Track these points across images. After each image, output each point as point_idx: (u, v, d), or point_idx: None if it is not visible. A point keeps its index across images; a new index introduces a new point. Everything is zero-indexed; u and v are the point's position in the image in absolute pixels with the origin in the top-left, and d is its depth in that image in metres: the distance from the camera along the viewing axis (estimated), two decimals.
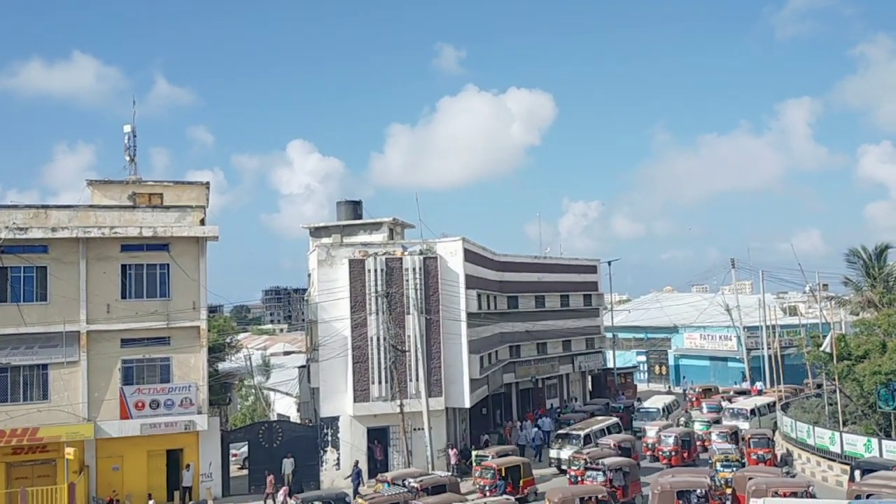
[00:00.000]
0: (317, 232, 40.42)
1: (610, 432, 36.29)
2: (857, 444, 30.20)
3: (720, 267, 66.72)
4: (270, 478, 30.98)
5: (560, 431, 36.83)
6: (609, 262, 59.40)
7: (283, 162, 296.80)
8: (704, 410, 44.22)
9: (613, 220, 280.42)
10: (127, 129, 35.09)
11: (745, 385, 58.10)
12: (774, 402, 43.09)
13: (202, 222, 31.94)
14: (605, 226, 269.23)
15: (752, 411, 41.08)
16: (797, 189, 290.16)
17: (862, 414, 33.06)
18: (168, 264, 31.32)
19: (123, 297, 30.81)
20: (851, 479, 26.08)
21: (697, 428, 38.76)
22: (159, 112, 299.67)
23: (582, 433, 34.96)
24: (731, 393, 51.54)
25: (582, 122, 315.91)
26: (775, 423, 39.99)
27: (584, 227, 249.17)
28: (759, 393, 51.08)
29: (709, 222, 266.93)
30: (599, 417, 39.63)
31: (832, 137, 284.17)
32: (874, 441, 29.56)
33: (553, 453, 34.01)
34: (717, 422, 39.29)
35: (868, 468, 25.93)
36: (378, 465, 33.14)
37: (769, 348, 55.21)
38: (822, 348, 32.78)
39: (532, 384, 47.14)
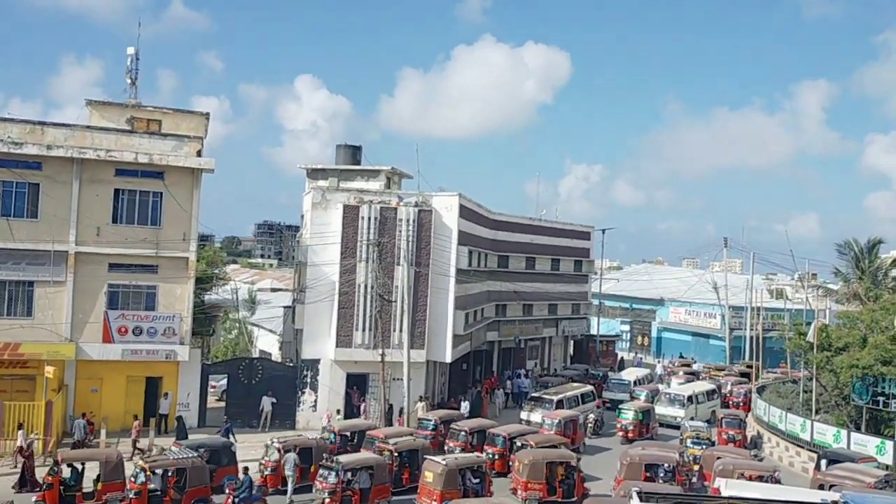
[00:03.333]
0: (314, 173, 40.08)
1: (584, 401, 36.39)
2: (827, 433, 30.66)
3: (713, 244, 66.98)
4: (137, 423, 28.24)
5: (533, 394, 37.09)
6: (603, 231, 59.40)
7: (290, 96, 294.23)
8: (642, 398, 39.63)
9: (615, 185, 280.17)
10: (130, 51, 34.43)
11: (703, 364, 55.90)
12: (715, 390, 41.46)
13: (199, 153, 31.59)
14: (606, 191, 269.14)
15: (690, 398, 38.56)
16: (802, 172, 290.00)
17: (835, 404, 33.51)
18: (161, 193, 31.05)
19: (114, 221, 30.59)
20: (817, 467, 26.49)
21: (625, 417, 34.32)
22: (172, 34, 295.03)
23: (555, 398, 34.98)
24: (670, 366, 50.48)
25: (596, 85, 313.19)
26: (713, 412, 38.32)
27: (585, 189, 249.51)
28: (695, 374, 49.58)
29: (710, 197, 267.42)
30: (575, 384, 39.43)
31: (844, 123, 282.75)
32: (843, 432, 30.02)
33: (524, 415, 34.26)
34: (647, 412, 34.96)
35: (834, 458, 26.38)
36: (354, 410, 33.51)
37: (752, 330, 55.75)
38: (807, 338, 33.00)
39: (514, 344, 47.47)
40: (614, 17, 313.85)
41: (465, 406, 34.90)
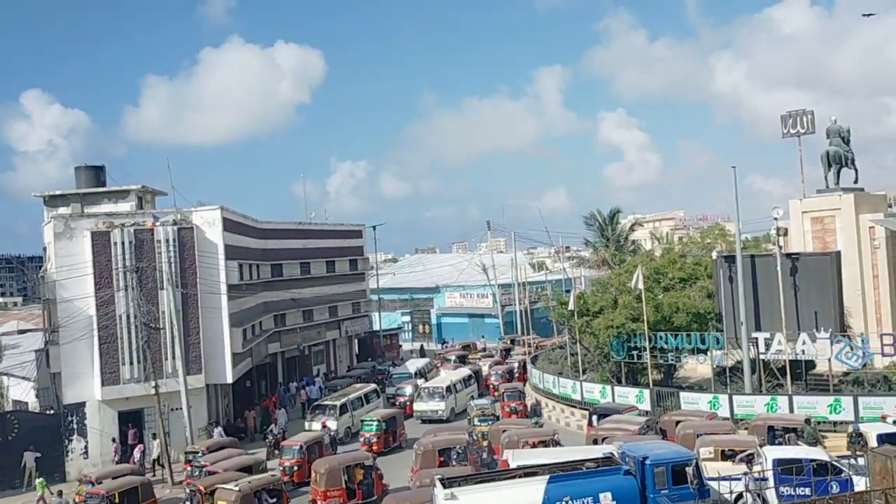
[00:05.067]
0: (52, 200, 36.25)
1: (368, 401, 36.13)
2: (594, 390, 33.50)
3: (478, 227, 70.64)
4: None
5: (316, 402, 36.47)
6: (374, 227, 60.16)
7: (16, 114, 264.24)
8: (407, 394, 38.68)
9: (381, 179, 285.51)
10: None
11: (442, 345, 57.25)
12: (471, 376, 40.49)
13: None
14: (373, 185, 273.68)
15: (448, 389, 37.03)
16: (547, 151, 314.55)
17: (598, 363, 36.68)
18: None
19: None
20: (590, 423, 28.89)
21: (367, 429, 31.19)
22: None
23: (338, 403, 34.26)
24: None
25: (352, 82, 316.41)
26: (472, 396, 38.18)
27: (353, 186, 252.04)
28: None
29: (472, 181, 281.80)
30: (359, 385, 38.91)
31: (579, 104, 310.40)
32: (608, 388, 32.97)
33: (306, 425, 33.49)
34: (392, 419, 32.03)
35: (603, 413, 28.85)
36: (130, 450, 31.09)
37: (521, 304, 59.54)
38: (568, 306, 35.79)
39: (298, 352, 46.67)
40: (359, 13, 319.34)
41: (217, 432, 32.28)
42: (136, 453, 30.52)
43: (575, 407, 34.03)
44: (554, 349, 45.29)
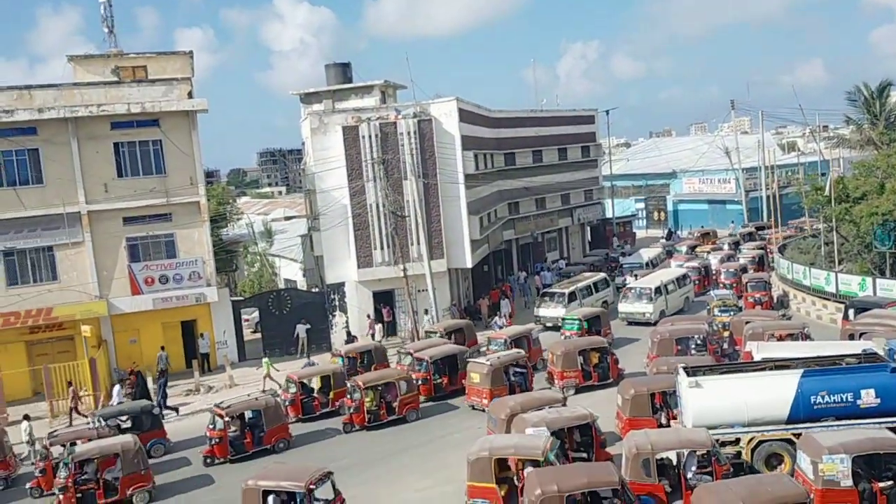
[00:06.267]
0: (307, 98, 39.43)
1: (598, 289, 35.82)
2: (852, 283, 30.94)
3: (720, 107, 66.03)
4: (72, 388, 26.41)
5: (545, 290, 37.08)
6: (607, 111, 58.50)
7: (272, 15, 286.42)
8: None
9: (613, 60, 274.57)
10: None
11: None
12: (686, 275, 36.49)
13: (190, 95, 31.16)
14: (605, 67, 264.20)
15: (658, 290, 33.48)
16: (801, 18, 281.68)
17: (857, 253, 33.63)
18: (161, 140, 30.90)
19: (120, 175, 30.63)
20: (846, 317, 26.91)
21: (569, 327, 29.73)
22: None
23: (566, 291, 34.48)
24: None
25: None
26: (686, 299, 35.24)
27: (584, 69, 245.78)
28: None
29: (711, 58, 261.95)
30: (588, 274, 38.74)
31: None
32: (868, 280, 30.26)
33: (536, 311, 34.53)
34: (596, 319, 29.93)
35: (862, 307, 26.69)
36: (386, 326, 34.22)
37: (768, 189, 55.53)
38: (824, 192, 32.87)
39: (532, 239, 47.68)
40: None
41: (427, 319, 33.29)
42: (408, 323, 33.35)
43: (828, 300, 31.79)
44: (805, 238, 42.06)
